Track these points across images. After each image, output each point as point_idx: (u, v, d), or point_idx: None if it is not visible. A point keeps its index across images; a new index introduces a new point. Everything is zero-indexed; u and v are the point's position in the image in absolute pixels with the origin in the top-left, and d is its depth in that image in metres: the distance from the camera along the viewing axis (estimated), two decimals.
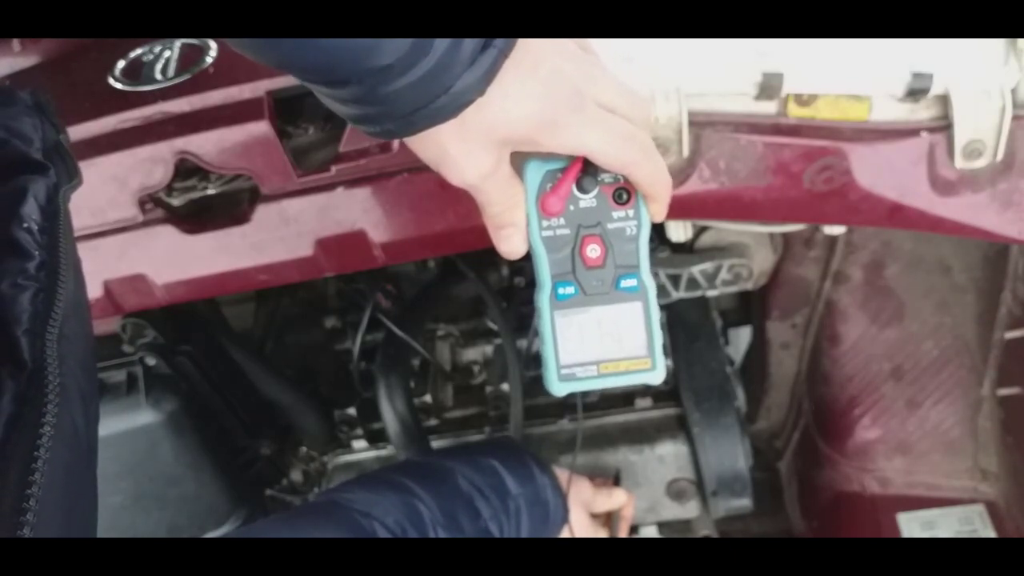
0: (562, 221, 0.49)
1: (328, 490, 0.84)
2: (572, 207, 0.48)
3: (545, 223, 0.48)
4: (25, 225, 0.36)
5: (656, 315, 0.51)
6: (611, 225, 0.49)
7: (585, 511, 0.82)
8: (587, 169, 0.47)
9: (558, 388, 0.50)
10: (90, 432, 0.37)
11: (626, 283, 0.50)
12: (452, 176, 0.44)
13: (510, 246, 0.48)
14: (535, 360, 0.95)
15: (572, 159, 0.47)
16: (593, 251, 0.49)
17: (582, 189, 0.48)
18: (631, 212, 0.49)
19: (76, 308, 0.38)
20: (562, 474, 0.80)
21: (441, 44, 0.37)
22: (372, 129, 0.42)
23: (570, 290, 0.49)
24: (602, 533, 0.84)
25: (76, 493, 0.35)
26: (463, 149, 0.42)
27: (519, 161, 0.47)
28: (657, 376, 0.51)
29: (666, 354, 0.94)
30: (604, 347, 0.50)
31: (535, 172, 0.48)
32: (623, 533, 0.87)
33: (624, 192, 0.49)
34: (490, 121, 0.42)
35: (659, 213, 0.49)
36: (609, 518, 0.86)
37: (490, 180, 0.44)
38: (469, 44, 0.38)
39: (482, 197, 0.46)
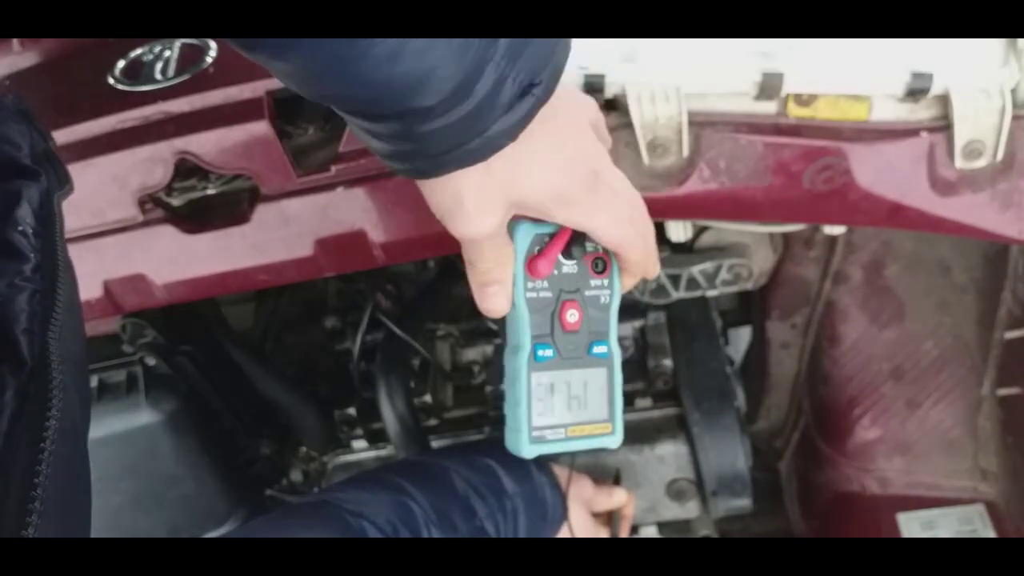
0: (546, 284, 0.50)
1: (320, 490, 0.83)
2: (556, 271, 0.50)
3: (530, 284, 0.50)
4: (20, 228, 0.36)
5: (619, 381, 0.53)
6: (588, 292, 0.51)
7: (586, 510, 0.82)
8: (575, 238, 0.49)
9: (528, 451, 0.52)
10: (85, 430, 0.38)
11: (597, 349, 0.52)
12: (459, 227, 0.45)
13: (494, 304, 0.49)
14: None
15: (562, 226, 0.48)
16: (572, 316, 0.50)
17: (568, 255, 0.50)
18: (606, 281, 0.51)
19: (71, 309, 0.39)
20: (562, 472, 0.80)
21: (483, 88, 0.38)
22: (402, 167, 0.43)
23: (548, 352, 0.51)
24: (603, 532, 0.84)
25: (75, 485, 0.36)
26: (478, 202, 0.43)
27: (510, 222, 0.48)
28: (616, 441, 0.53)
29: (666, 355, 0.94)
30: (572, 411, 0.52)
31: (525, 234, 0.49)
32: (624, 533, 0.87)
33: (601, 261, 0.51)
34: (513, 180, 0.43)
35: (630, 286, 0.53)
36: (610, 517, 0.86)
37: (490, 237, 0.46)
38: (509, 90, 0.39)
39: (476, 253, 0.47)
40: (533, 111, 0.40)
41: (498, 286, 0.49)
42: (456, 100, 0.38)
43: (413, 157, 0.41)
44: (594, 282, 0.51)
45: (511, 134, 0.41)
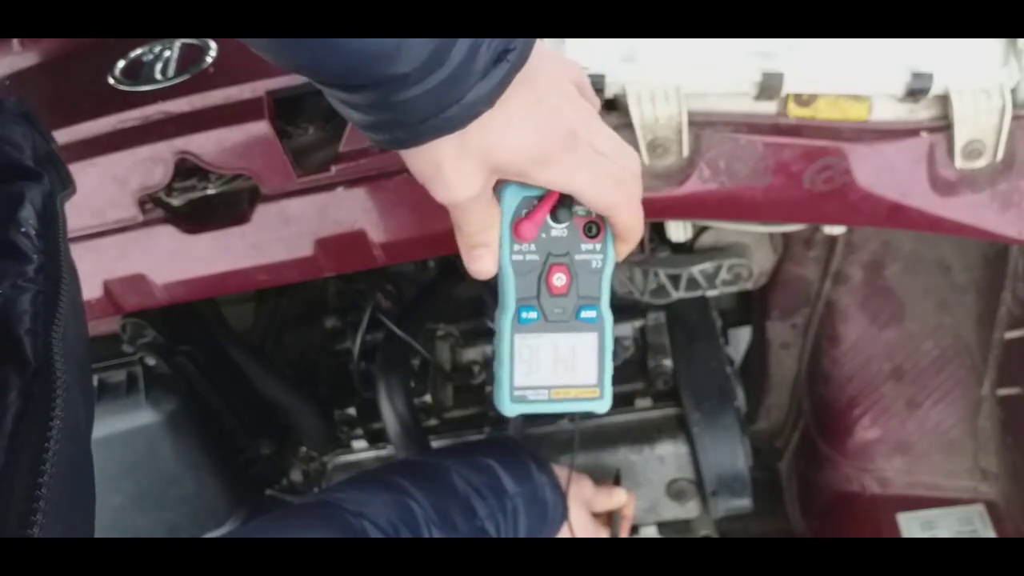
0: (532, 247, 0.50)
1: (320, 490, 0.83)
2: (544, 235, 0.50)
3: (516, 247, 0.50)
4: (23, 229, 0.36)
5: (610, 347, 0.52)
6: (579, 256, 0.51)
7: (586, 510, 0.82)
8: (563, 201, 0.49)
9: (509, 409, 0.52)
10: (89, 430, 0.38)
11: (586, 314, 0.51)
12: (439, 193, 0.45)
13: (481, 266, 0.49)
14: None
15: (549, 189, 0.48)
16: (559, 279, 0.50)
17: (556, 219, 0.50)
18: (599, 246, 0.51)
19: (75, 311, 0.39)
20: (562, 472, 0.80)
21: (457, 55, 0.38)
22: (381, 137, 0.43)
23: (533, 315, 0.51)
24: (603, 532, 0.84)
25: (79, 486, 0.36)
26: (457, 168, 0.44)
27: (498, 184, 0.48)
28: (604, 405, 0.53)
29: (666, 355, 0.95)
30: (557, 373, 0.52)
31: (512, 197, 0.49)
32: (624, 533, 0.87)
33: (595, 226, 0.50)
34: (489, 145, 0.43)
35: (624, 254, 0.51)
36: (610, 517, 0.86)
37: (473, 201, 0.46)
38: (484, 56, 0.39)
39: (461, 216, 0.47)
40: (509, 77, 0.41)
41: (484, 249, 0.49)
42: (431, 67, 0.38)
43: (392, 127, 0.41)
44: (585, 246, 0.51)
45: (488, 100, 0.41)
